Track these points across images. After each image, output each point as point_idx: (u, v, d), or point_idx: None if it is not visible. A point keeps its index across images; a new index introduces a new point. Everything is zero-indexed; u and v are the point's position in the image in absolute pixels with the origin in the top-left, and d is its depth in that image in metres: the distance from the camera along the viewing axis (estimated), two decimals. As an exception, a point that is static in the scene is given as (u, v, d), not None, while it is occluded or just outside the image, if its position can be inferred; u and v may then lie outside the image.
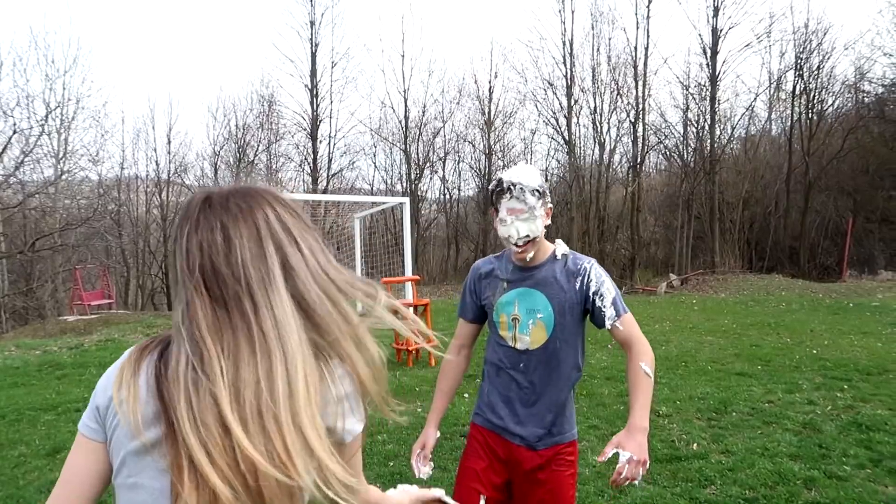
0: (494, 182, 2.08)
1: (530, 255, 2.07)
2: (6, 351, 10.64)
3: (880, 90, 26.72)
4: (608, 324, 2.06)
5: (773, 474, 4.07)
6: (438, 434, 2.30)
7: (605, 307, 2.05)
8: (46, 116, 21.77)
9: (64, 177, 23.64)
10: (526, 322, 2.08)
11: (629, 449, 1.83)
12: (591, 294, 2.07)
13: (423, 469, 2.22)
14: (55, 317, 20.22)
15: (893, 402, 5.65)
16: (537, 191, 2.01)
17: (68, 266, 23.36)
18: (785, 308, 13.07)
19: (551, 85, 25.45)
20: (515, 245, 2.04)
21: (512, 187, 2.00)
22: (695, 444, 4.69)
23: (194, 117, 50.14)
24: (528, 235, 2.01)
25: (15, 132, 20.56)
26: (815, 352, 8.06)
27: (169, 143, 30.52)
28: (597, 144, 25.71)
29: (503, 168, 27.83)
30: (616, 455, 1.84)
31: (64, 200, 24.80)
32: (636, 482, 1.85)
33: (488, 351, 2.24)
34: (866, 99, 26.95)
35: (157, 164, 30.37)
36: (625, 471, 1.81)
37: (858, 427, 4.98)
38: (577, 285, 2.08)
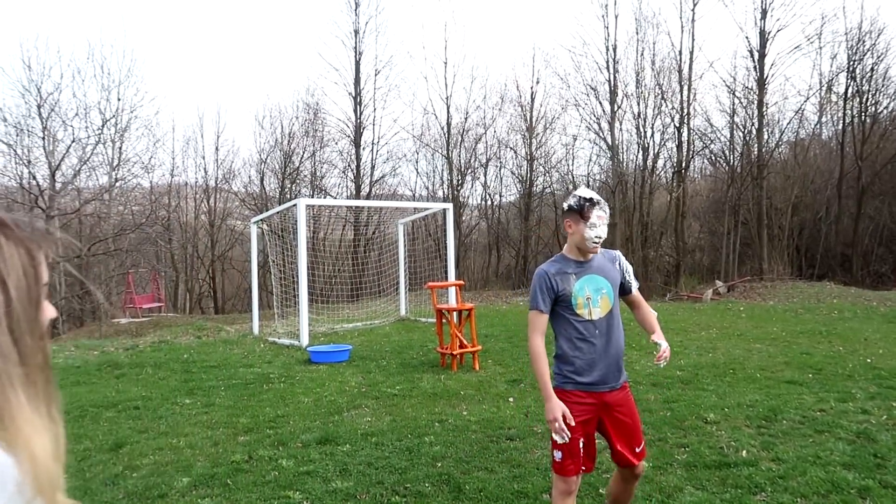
0: (585, 197, 2.90)
1: (599, 250, 2.99)
2: (66, 351, 11.09)
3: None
4: (634, 290, 3.16)
5: (826, 483, 4.02)
6: None
7: (631, 280, 3.13)
8: (102, 126, 22.57)
9: (118, 184, 24.47)
10: (596, 298, 2.92)
11: (664, 341, 3.05)
12: (624, 272, 3.09)
13: (567, 435, 2.79)
14: (109, 319, 20.93)
15: (952, 413, 5.50)
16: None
17: (121, 270, 24.14)
18: (837, 316, 12.74)
19: (594, 90, 25.27)
20: (596, 242, 2.88)
21: (601, 202, 2.89)
22: (744, 451, 4.65)
23: (241, 125, 51.20)
24: (604, 237, 2.90)
25: (73, 141, 21.40)
26: (868, 361, 7.86)
27: (217, 150, 31.33)
28: (640, 149, 25.42)
29: (545, 173, 27.80)
30: (657, 345, 3.04)
31: (118, 207, 25.65)
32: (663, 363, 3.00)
33: (563, 334, 2.97)
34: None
35: (206, 172, 31.20)
36: (665, 353, 2.99)
37: (915, 437, 4.87)
38: (617, 267, 3.07)
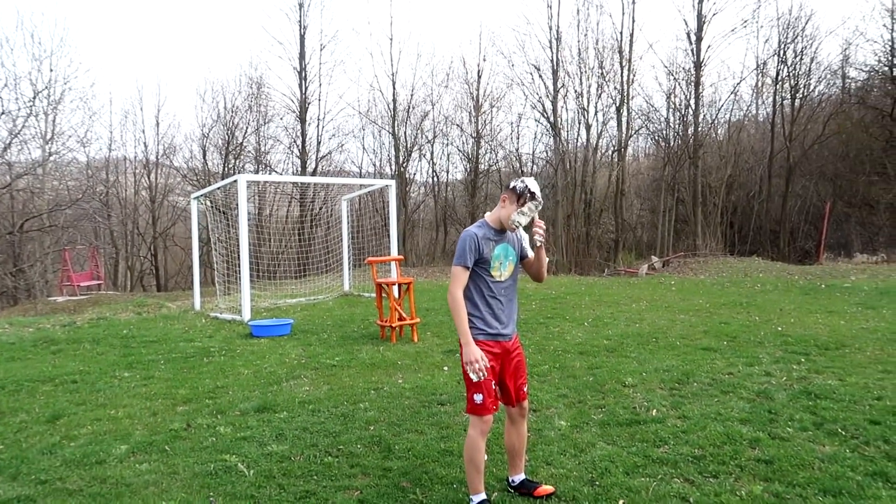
0: (530, 189, 3.29)
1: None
2: (0, 328, 10.88)
3: (863, 76, 27.12)
4: (529, 254, 3.57)
5: (722, 436, 4.43)
6: None
7: (527, 248, 3.57)
8: (34, 98, 21.78)
9: (52, 158, 23.70)
10: (505, 263, 3.42)
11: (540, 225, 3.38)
12: (522, 242, 3.55)
13: (483, 375, 3.21)
14: (45, 297, 20.39)
15: (844, 374, 6.04)
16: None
17: (57, 247, 23.47)
18: (759, 289, 13.50)
19: (537, 69, 25.66)
20: (516, 226, 3.35)
21: (538, 201, 3.31)
22: (654, 411, 5.05)
23: (183, 99, 49.86)
24: (524, 224, 3.37)
25: (2, 114, 20.60)
26: (779, 329, 8.46)
27: (157, 124, 30.65)
28: (583, 128, 25.98)
29: (491, 151, 28.12)
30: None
31: (52, 182, 24.85)
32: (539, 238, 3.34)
33: (477, 292, 3.38)
34: (853, 85, 27.32)
35: (146, 146, 30.48)
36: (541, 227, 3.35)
37: (808, 395, 5.35)
38: (519, 237, 3.52)
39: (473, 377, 3.22)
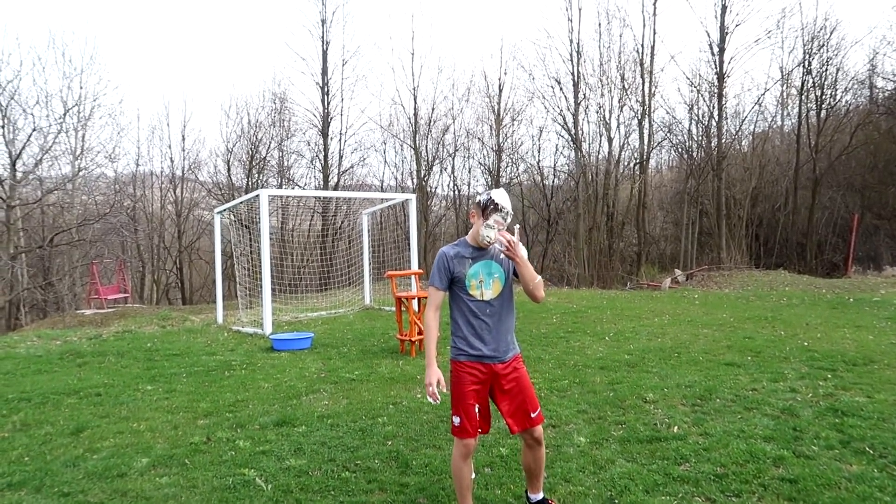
0: (494, 200, 3.14)
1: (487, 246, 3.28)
2: (28, 341, 11.09)
3: (892, 86, 26.69)
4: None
5: (745, 454, 4.35)
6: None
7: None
8: (64, 114, 22.30)
9: (81, 173, 24.21)
10: (488, 281, 3.26)
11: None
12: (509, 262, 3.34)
13: (438, 398, 3.16)
14: (73, 310, 20.74)
15: (872, 390, 5.90)
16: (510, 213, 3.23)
17: (85, 261, 23.90)
18: (785, 303, 13.27)
19: (558, 83, 25.67)
20: (487, 240, 3.18)
21: (503, 211, 3.16)
22: (676, 427, 4.97)
23: (208, 115, 50.73)
24: (493, 238, 3.18)
25: (34, 130, 21.11)
26: (805, 344, 8.30)
27: (183, 140, 31.15)
28: (605, 141, 25.89)
29: (512, 164, 28.13)
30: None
31: (81, 196, 25.35)
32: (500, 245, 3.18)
33: (458, 311, 3.29)
34: (881, 95, 26.91)
35: (172, 161, 31.00)
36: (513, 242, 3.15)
37: (834, 412, 5.24)
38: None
39: (430, 400, 3.20)
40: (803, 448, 4.43)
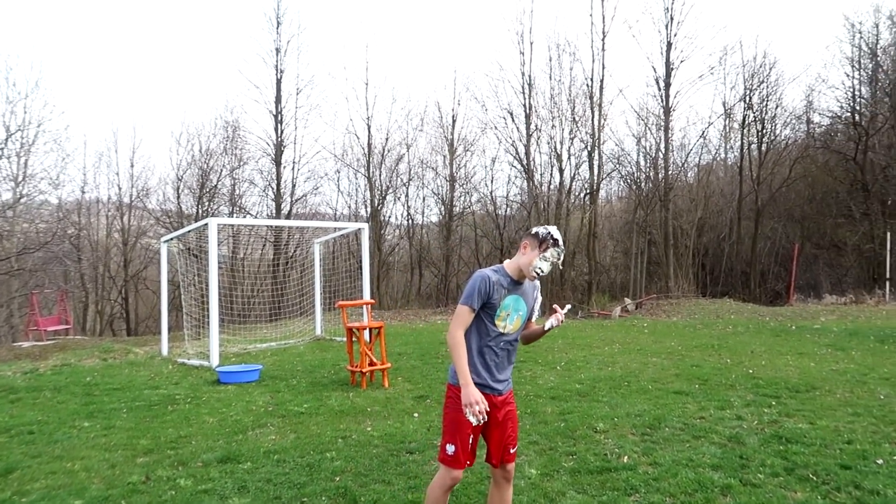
0: (554, 235, 3.15)
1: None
2: (-43, 376, 10.50)
3: (827, 121, 28.02)
4: (534, 319, 3.42)
5: (694, 483, 4.38)
6: None
7: (536, 310, 3.42)
8: (6, 140, 21.56)
9: (22, 200, 23.35)
10: (513, 316, 3.22)
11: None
12: (536, 302, 3.40)
13: (483, 418, 3.00)
14: (10, 343, 19.82)
15: (814, 417, 6.05)
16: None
17: (25, 291, 22.95)
18: (731, 331, 13.59)
19: (511, 114, 26.08)
20: (537, 273, 3.14)
21: (561, 248, 3.17)
22: (626, 457, 4.98)
23: (158, 142, 49.83)
24: (545, 273, 3.16)
25: (-28, 155, 20.34)
26: (750, 371, 8.49)
27: (132, 166, 30.41)
28: (556, 171, 26.34)
29: (466, 194, 28.34)
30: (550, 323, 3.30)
31: (22, 224, 24.44)
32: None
33: (475, 336, 3.18)
34: (817, 130, 28.21)
35: (120, 188, 30.19)
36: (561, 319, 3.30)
37: (779, 439, 5.34)
38: (535, 296, 3.38)
39: (473, 420, 2.99)
40: (750, 476, 4.49)
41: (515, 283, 3.19)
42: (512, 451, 3.30)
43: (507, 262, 3.24)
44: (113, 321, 30.75)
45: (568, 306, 3.39)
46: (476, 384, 3.07)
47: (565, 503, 4.12)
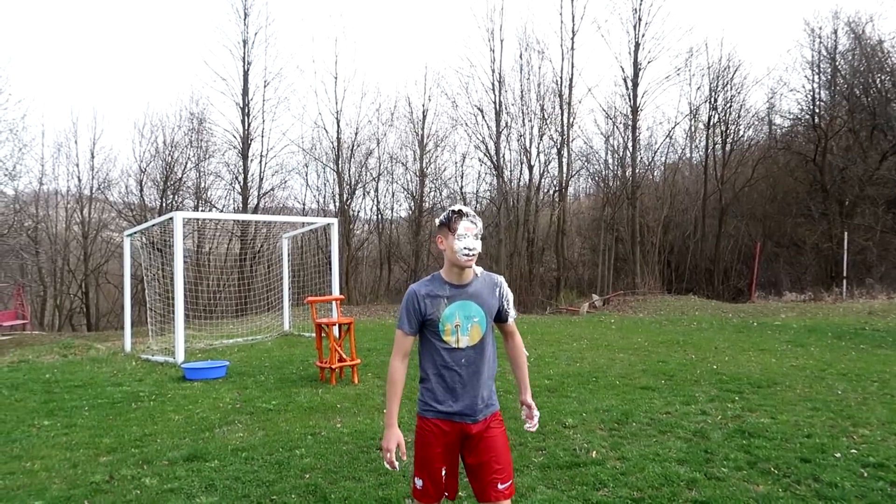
0: (453, 209, 2.75)
1: (473, 264, 2.75)
2: None
3: (788, 123, 28.70)
4: (510, 320, 2.98)
5: (661, 477, 4.45)
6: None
7: (510, 308, 2.95)
8: (-41, 129, 20.84)
9: (-24, 192, 22.62)
10: (465, 326, 2.76)
11: (535, 409, 3.04)
12: (503, 300, 2.91)
13: (397, 466, 2.72)
14: (-37, 338, 19.23)
15: (776, 411, 6.20)
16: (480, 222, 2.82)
17: (-21, 285, 22.29)
18: (696, 327, 13.84)
19: (481, 111, 26.17)
20: (467, 253, 2.68)
21: (469, 214, 2.73)
22: (594, 452, 5.04)
23: (120, 132, 48.69)
24: (476, 249, 2.70)
25: (-76, 145, 19.63)
26: (714, 367, 8.66)
27: (92, 157, 29.72)
28: (525, 168, 26.51)
29: (435, 189, 28.37)
30: (530, 412, 3.02)
31: (-25, 216, 23.69)
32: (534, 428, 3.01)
33: (429, 358, 2.81)
34: (779, 131, 28.89)
35: (80, 180, 29.48)
36: (536, 420, 3.00)
37: (742, 434, 5.45)
38: (497, 294, 2.88)
39: (387, 466, 2.74)
40: (714, 470, 4.58)
41: (458, 288, 2.77)
42: (501, 486, 2.77)
43: (442, 269, 2.83)
44: (72, 316, 30.06)
45: (536, 415, 3.02)
46: (440, 412, 2.76)
47: (535, 498, 4.15)
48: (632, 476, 4.48)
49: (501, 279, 2.94)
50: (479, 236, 2.75)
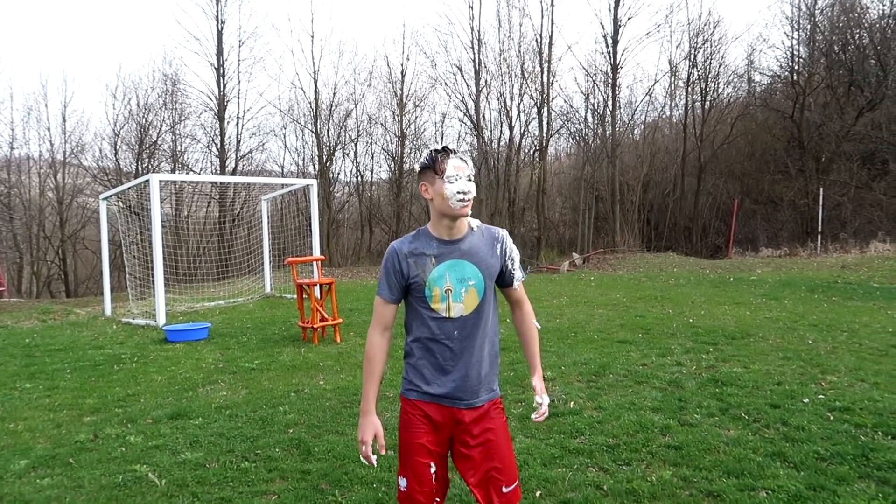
0: (436, 149, 2.25)
1: (468, 212, 2.24)
2: None
3: (767, 80, 28.74)
4: (516, 284, 2.38)
5: (636, 424, 4.58)
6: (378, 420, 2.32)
7: (515, 269, 2.36)
8: (-77, 92, 20.21)
9: (-55, 157, 22.09)
10: (458, 290, 2.22)
11: (545, 396, 2.43)
12: (507, 258, 2.33)
13: (374, 461, 2.28)
14: (-61, 306, 18.98)
15: (748, 361, 6.38)
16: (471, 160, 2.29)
17: (-47, 252, 21.93)
18: (673, 283, 14.06)
19: (460, 70, 25.89)
20: (462, 199, 2.15)
21: (455, 152, 2.22)
22: (572, 403, 5.17)
23: (92, 95, 47.47)
24: (471, 193, 2.17)
25: None
26: (691, 321, 8.84)
27: (64, 121, 29.02)
28: (506, 128, 26.39)
29: (415, 150, 28.17)
30: (538, 404, 2.42)
31: (-54, 182, 23.19)
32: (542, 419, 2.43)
33: (415, 329, 2.31)
34: (758, 88, 28.94)
35: (52, 145, 28.85)
36: (544, 412, 2.41)
37: (715, 383, 5.62)
38: (498, 251, 2.31)
39: (363, 460, 2.30)
40: (687, 417, 4.73)
41: (448, 244, 2.25)
42: (506, 490, 2.27)
43: (429, 223, 2.32)
44: (51, 283, 29.73)
45: (544, 402, 2.42)
46: (426, 394, 2.27)
47: (515, 447, 4.26)
48: (608, 424, 4.62)
49: (504, 233, 2.38)
50: (472, 178, 2.25)
